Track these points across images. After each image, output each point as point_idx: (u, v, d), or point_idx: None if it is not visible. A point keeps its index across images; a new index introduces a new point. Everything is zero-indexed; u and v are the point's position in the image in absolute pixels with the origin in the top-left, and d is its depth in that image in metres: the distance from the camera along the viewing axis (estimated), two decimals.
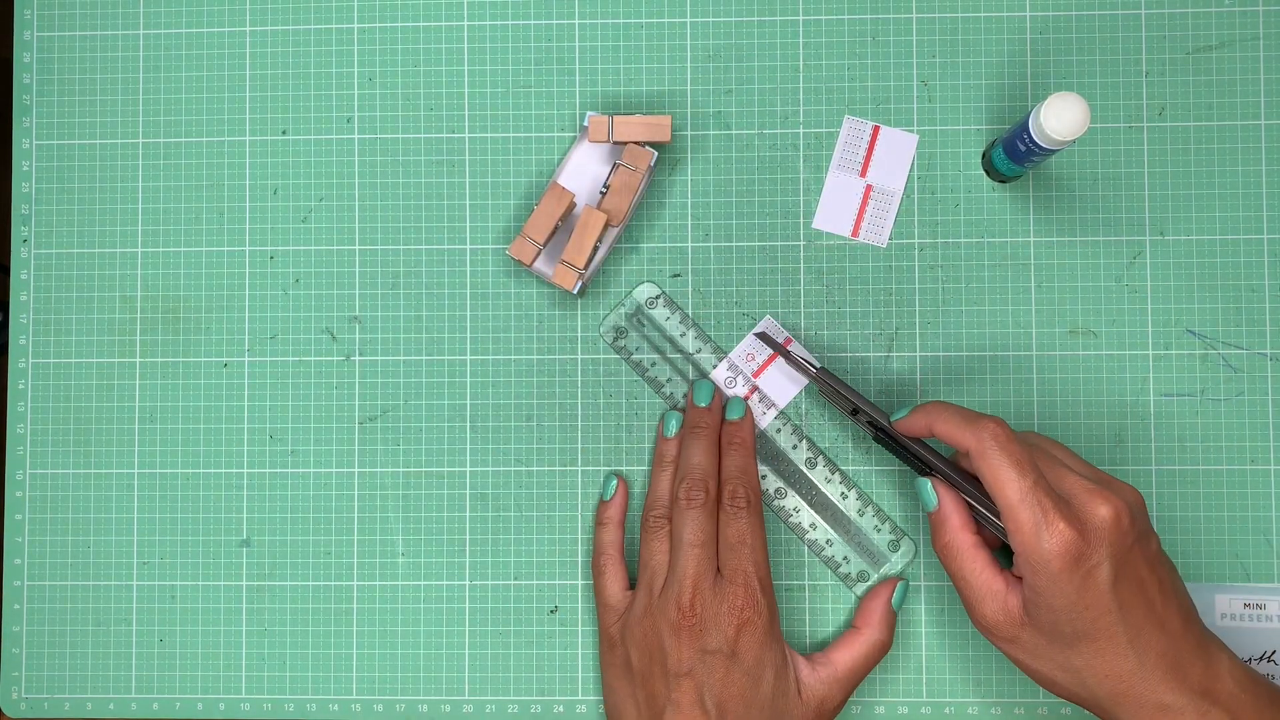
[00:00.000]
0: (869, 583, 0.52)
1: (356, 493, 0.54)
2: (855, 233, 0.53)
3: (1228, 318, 0.52)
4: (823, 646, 0.52)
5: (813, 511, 0.52)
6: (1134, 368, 0.52)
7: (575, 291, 0.51)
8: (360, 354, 0.54)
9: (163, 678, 0.54)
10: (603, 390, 0.53)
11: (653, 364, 0.53)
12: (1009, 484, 0.43)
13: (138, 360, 0.55)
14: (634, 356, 0.52)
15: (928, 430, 0.47)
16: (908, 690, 0.52)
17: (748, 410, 0.52)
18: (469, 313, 0.54)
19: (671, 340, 0.52)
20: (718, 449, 0.51)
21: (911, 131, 0.53)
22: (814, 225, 0.53)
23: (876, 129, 0.53)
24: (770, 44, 0.54)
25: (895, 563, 0.52)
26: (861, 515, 0.52)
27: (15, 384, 0.55)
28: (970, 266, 0.53)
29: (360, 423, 0.54)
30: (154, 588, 0.54)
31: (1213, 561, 0.52)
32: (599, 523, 0.52)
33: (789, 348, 0.51)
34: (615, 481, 0.52)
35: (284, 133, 0.55)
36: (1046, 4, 0.53)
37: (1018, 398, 0.52)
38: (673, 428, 0.52)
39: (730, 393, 0.52)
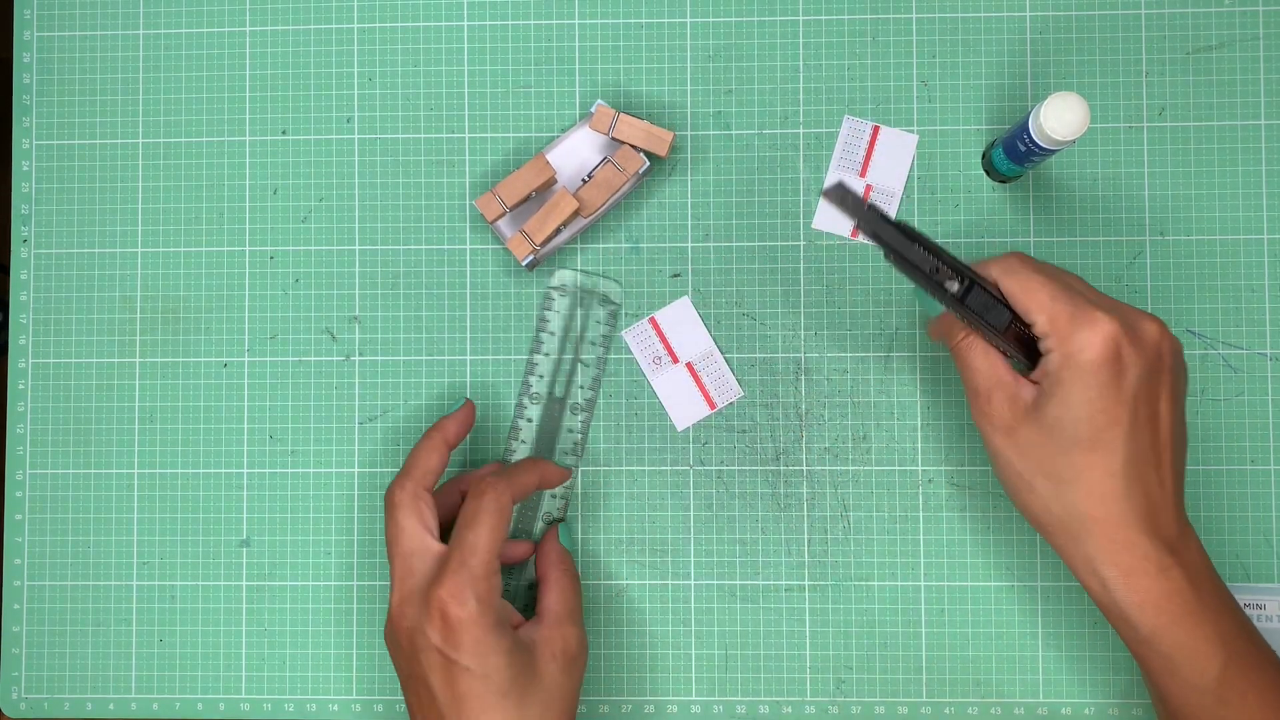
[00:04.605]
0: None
1: (356, 493, 0.54)
2: (855, 233, 0.53)
3: (1228, 318, 0.52)
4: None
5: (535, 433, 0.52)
6: None
7: (525, 264, 0.51)
8: (360, 354, 0.54)
9: (163, 678, 0.54)
10: (603, 390, 0.53)
11: (551, 335, 0.52)
12: (1041, 288, 0.43)
13: (138, 360, 0.55)
14: (546, 313, 0.52)
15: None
16: (908, 690, 0.52)
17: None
18: (469, 313, 0.54)
19: (570, 332, 0.52)
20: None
21: (911, 131, 0.53)
22: (814, 226, 0.53)
23: (876, 129, 0.53)
24: (770, 44, 0.54)
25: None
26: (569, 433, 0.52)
27: (15, 384, 0.55)
28: None
29: (360, 423, 0.54)
30: (154, 588, 0.54)
31: (1213, 561, 0.52)
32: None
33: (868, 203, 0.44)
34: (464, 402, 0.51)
35: (284, 133, 0.55)
36: (1046, 4, 0.53)
37: None
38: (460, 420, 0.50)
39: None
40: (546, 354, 0.52)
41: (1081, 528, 0.43)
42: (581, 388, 0.53)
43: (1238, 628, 0.43)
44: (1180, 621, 0.42)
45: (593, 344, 0.52)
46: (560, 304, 0.52)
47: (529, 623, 0.48)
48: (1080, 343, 0.42)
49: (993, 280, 0.44)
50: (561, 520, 0.52)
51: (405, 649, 0.45)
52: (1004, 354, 0.45)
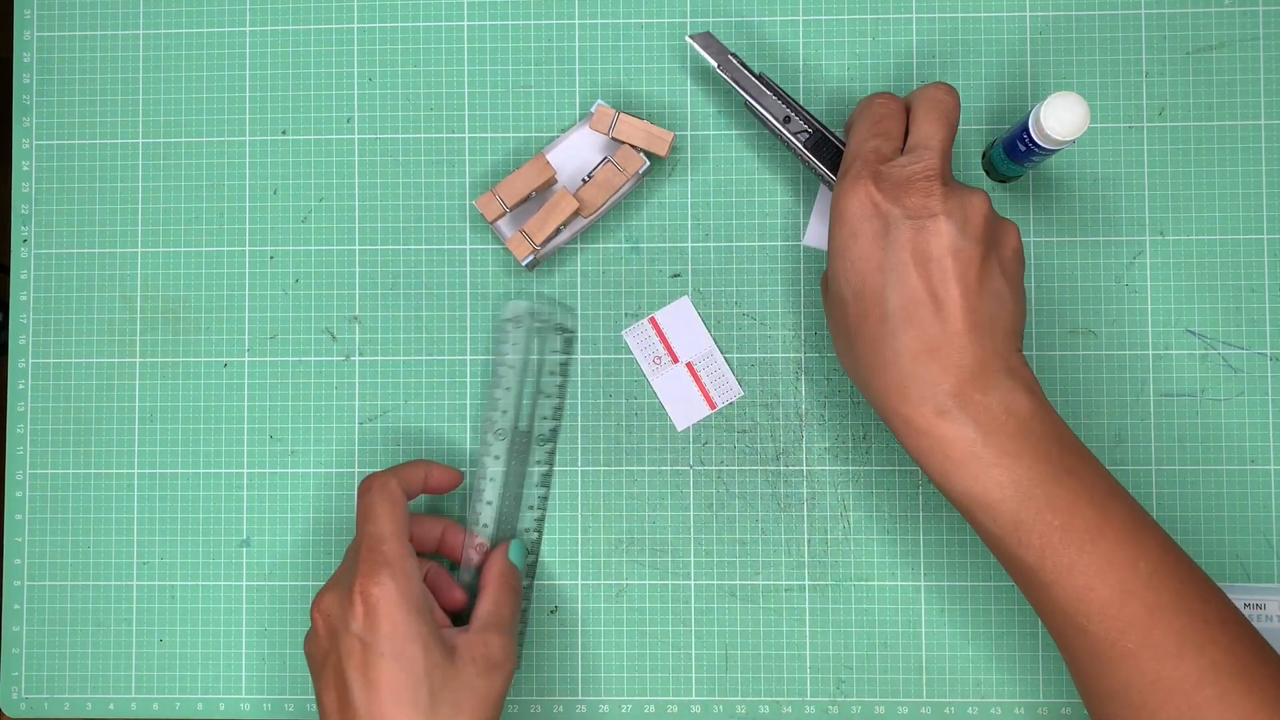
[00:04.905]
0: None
1: (356, 493, 0.54)
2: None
3: (1228, 318, 0.52)
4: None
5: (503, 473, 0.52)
6: (1134, 368, 0.52)
7: (525, 264, 0.51)
8: (360, 354, 0.54)
9: (163, 678, 0.54)
10: (603, 390, 0.53)
11: (510, 368, 0.52)
12: (852, 141, 0.46)
13: (138, 360, 0.55)
14: (503, 346, 0.52)
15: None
16: (908, 690, 0.52)
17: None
18: (469, 313, 0.54)
19: (528, 367, 0.52)
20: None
21: None
22: (804, 243, 0.53)
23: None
24: (770, 44, 0.54)
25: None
26: (527, 510, 0.52)
27: (15, 384, 0.55)
28: None
29: (360, 423, 0.54)
30: (154, 588, 0.54)
31: (1213, 561, 0.52)
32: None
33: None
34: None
35: (284, 133, 0.55)
36: (1046, 4, 0.53)
37: None
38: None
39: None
40: (507, 388, 0.51)
41: (877, 378, 0.44)
42: (544, 419, 0.52)
43: (1046, 463, 0.42)
44: (966, 470, 0.42)
45: (551, 374, 0.52)
46: (516, 335, 0.52)
47: (457, 628, 0.47)
48: (834, 196, 0.45)
49: (908, 100, 0.47)
50: (515, 539, 0.52)
51: (323, 642, 0.45)
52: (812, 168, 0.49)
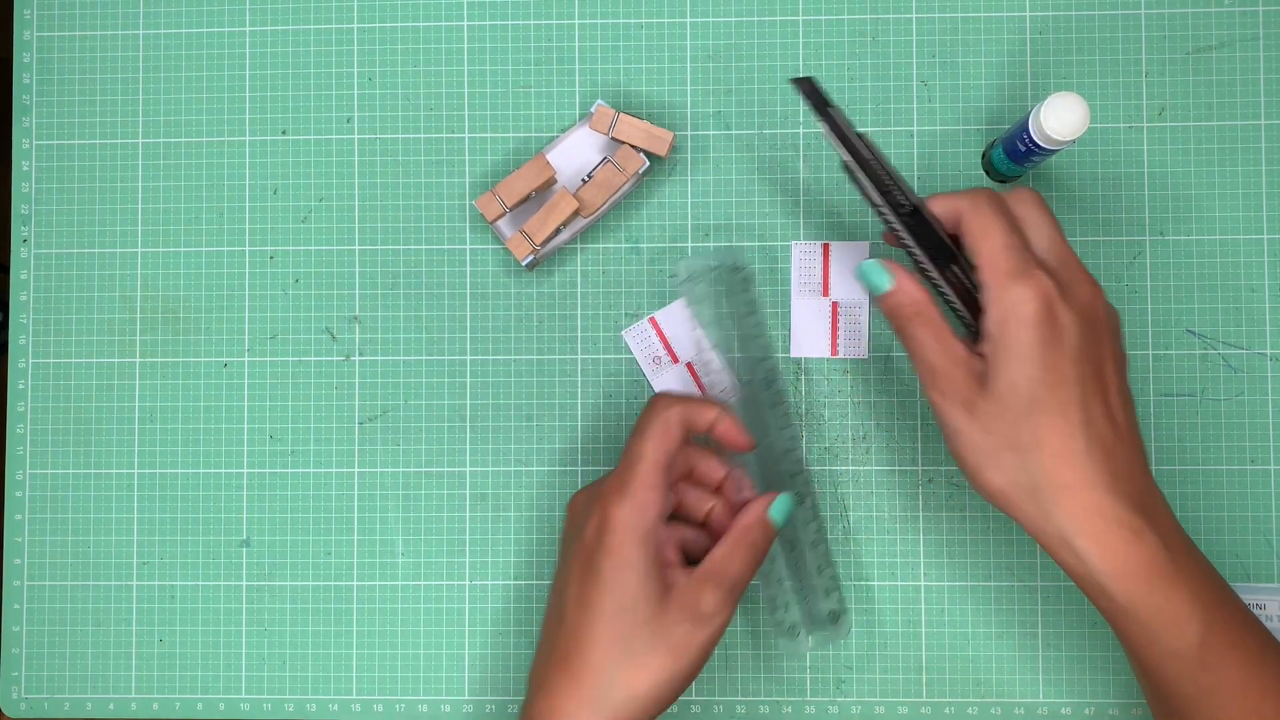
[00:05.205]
0: (796, 639, 0.52)
1: (356, 493, 0.54)
2: (834, 351, 0.53)
3: (1228, 318, 0.52)
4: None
5: (778, 543, 0.51)
6: (1134, 368, 0.52)
7: (525, 264, 0.51)
8: (360, 354, 0.54)
9: (163, 678, 0.54)
10: (603, 390, 0.53)
11: (703, 340, 0.52)
12: (997, 234, 0.43)
13: (138, 360, 0.55)
14: (698, 318, 0.52)
15: (932, 210, 0.45)
16: (908, 690, 0.52)
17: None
18: (469, 313, 0.54)
19: (721, 320, 0.52)
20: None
21: (858, 241, 0.53)
22: (792, 354, 0.53)
23: (826, 246, 0.53)
24: (770, 44, 0.54)
25: (829, 633, 0.52)
26: (819, 573, 0.52)
27: (15, 384, 0.55)
28: None
29: (360, 423, 0.54)
30: (154, 588, 0.54)
31: (1213, 561, 0.52)
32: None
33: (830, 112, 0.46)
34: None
35: (284, 133, 0.55)
36: (1046, 4, 0.53)
37: None
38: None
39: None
40: (714, 347, 0.51)
41: (1050, 497, 0.42)
42: (760, 361, 0.51)
43: (1215, 589, 0.42)
44: (1156, 587, 0.41)
45: (746, 316, 0.52)
46: (700, 292, 0.52)
47: (684, 568, 0.46)
48: (1016, 296, 0.42)
49: (956, 212, 0.44)
50: (790, 495, 0.48)
51: (568, 533, 0.47)
52: (951, 307, 0.45)
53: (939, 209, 0.45)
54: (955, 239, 0.45)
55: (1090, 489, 0.41)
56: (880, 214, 0.45)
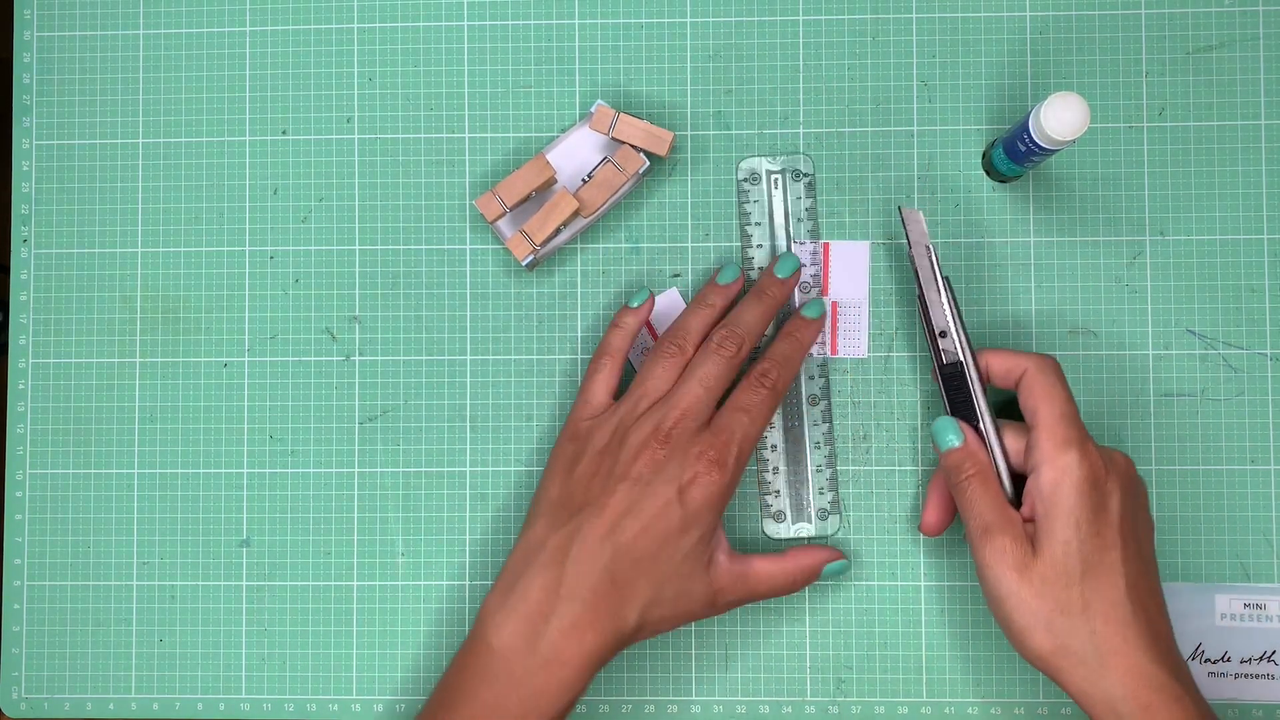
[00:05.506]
0: (782, 524, 0.52)
1: (356, 493, 0.54)
2: (834, 350, 0.53)
3: (1228, 318, 0.52)
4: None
5: (782, 435, 0.52)
6: (1134, 368, 0.52)
7: (525, 264, 0.51)
8: (360, 354, 0.54)
9: (163, 678, 0.54)
10: None
11: (757, 225, 0.52)
12: (1060, 401, 0.45)
13: (138, 360, 0.55)
14: (745, 206, 0.52)
15: (986, 365, 0.48)
16: (908, 690, 0.52)
17: (824, 315, 0.51)
18: (469, 313, 0.54)
19: (774, 217, 0.52)
20: (769, 322, 0.50)
21: (859, 241, 0.53)
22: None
23: (826, 246, 0.53)
24: (770, 44, 0.54)
25: (817, 528, 0.52)
26: (818, 472, 0.52)
27: (15, 384, 0.55)
28: (970, 266, 0.53)
29: (360, 423, 0.54)
30: (154, 588, 0.54)
31: (1213, 561, 0.52)
32: (613, 325, 0.51)
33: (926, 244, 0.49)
34: (647, 294, 0.51)
35: (284, 133, 0.55)
36: (1046, 4, 0.53)
37: None
38: (727, 276, 0.50)
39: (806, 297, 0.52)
40: (759, 245, 0.52)
41: (1100, 662, 0.43)
42: (807, 266, 0.52)
43: None
44: None
45: (800, 220, 0.52)
46: (756, 192, 0.52)
47: (726, 548, 0.48)
48: (1070, 462, 0.44)
49: (1019, 370, 0.47)
50: (847, 563, 0.51)
51: (600, 444, 0.48)
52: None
53: (1000, 364, 0.47)
54: (985, 392, 0.48)
55: (1136, 654, 0.43)
56: (930, 345, 0.49)
